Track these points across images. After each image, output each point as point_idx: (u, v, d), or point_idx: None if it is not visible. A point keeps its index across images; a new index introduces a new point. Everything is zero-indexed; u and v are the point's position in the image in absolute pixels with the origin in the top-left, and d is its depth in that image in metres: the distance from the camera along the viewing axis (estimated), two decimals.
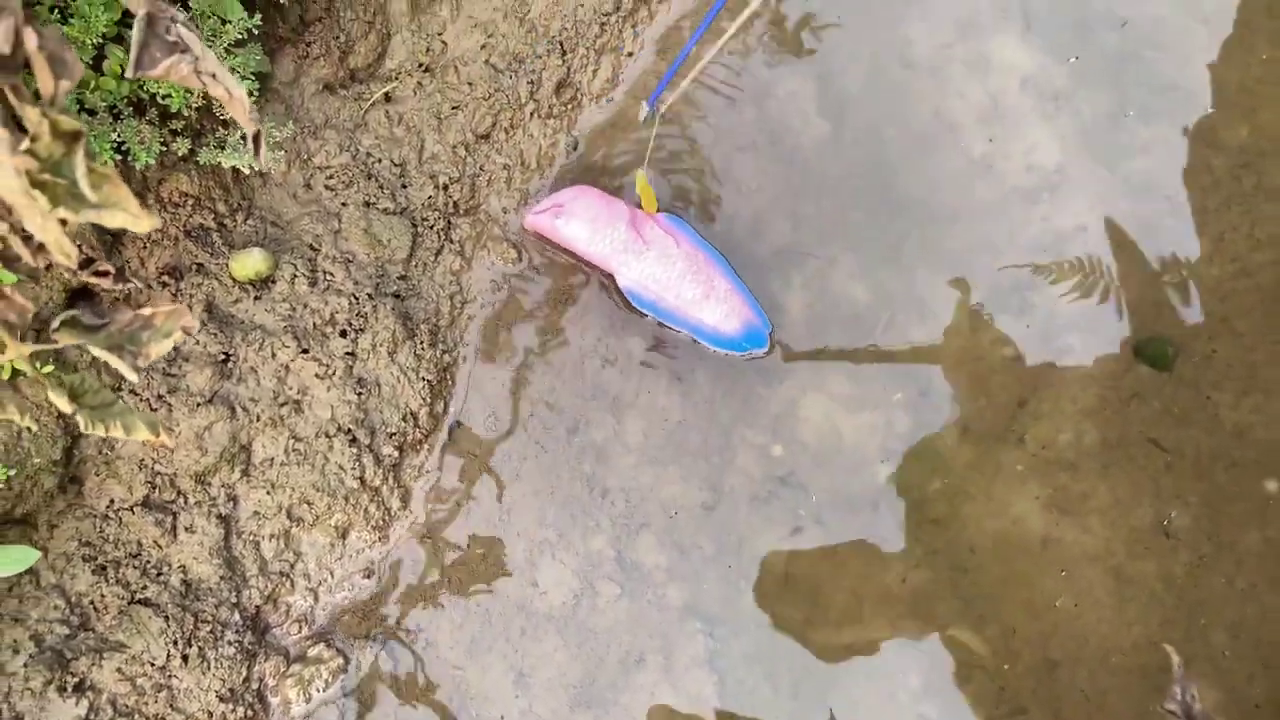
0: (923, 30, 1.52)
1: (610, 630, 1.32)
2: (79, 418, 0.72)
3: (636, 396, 1.40)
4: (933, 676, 1.31)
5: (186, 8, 1.14)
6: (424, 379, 1.33)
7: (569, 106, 1.47)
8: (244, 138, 1.19)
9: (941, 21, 1.53)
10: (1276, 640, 1.29)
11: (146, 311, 0.71)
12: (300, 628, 1.26)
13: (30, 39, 0.55)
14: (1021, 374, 1.39)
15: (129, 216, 0.60)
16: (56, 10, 1.07)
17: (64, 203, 0.58)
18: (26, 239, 0.64)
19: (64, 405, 0.69)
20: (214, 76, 0.77)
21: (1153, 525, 1.33)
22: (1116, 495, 1.34)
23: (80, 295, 1.16)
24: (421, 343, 1.34)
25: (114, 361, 0.69)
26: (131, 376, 0.69)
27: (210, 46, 1.16)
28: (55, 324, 0.69)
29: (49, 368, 0.91)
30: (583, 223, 1.37)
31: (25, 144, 0.56)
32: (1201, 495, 1.34)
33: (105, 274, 0.87)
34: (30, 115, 0.56)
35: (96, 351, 0.68)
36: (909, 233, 1.45)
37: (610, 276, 1.40)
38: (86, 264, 0.86)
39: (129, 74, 0.74)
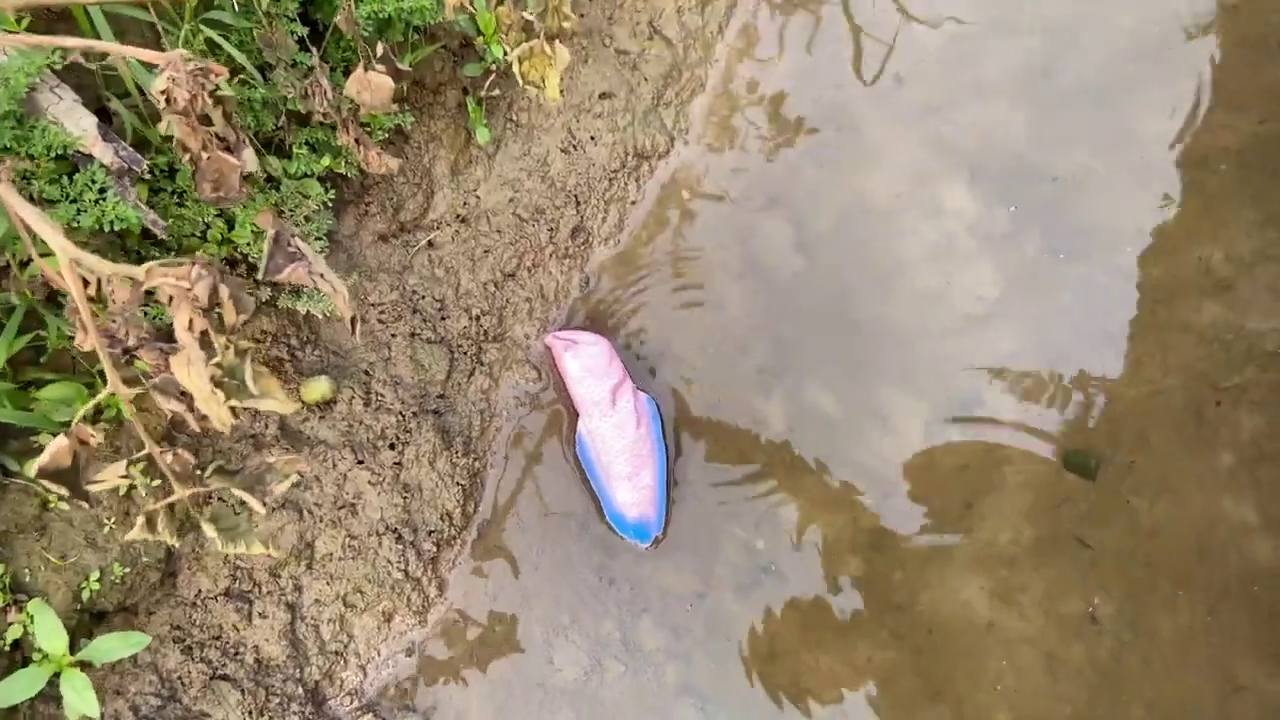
0: (880, 181, 1.79)
1: (617, 703, 1.54)
2: (217, 539, 0.95)
3: None
4: None
5: (277, 188, 1.41)
6: (458, 484, 1.56)
7: (582, 248, 1.74)
8: (319, 293, 1.44)
9: (897, 173, 1.80)
10: (1187, 714, 1.50)
11: (271, 459, 0.96)
12: (352, 700, 1.47)
13: (223, 291, 0.80)
14: (968, 480, 1.62)
15: (277, 403, 0.85)
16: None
17: (234, 395, 0.83)
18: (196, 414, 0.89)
19: (211, 533, 0.93)
20: (322, 276, 1.03)
21: (1080, 613, 1.56)
22: (1049, 587, 1.57)
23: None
24: (456, 452, 1.58)
25: (248, 499, 0.93)
26: (260, 510, 0.93)
27: (294, 218, 1.42)
28: (208, 472, 0.93)
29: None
30: (580, 366, 1.61)
31: (215, 359, 0.81)
32: (1122, 587, 1.56)
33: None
34: (219, 341, 0.81)
35: (237, 492, 0.92)
36: (871, 354, 1.70)
37: (575, 416, 1.65)
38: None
39: (260, 278, 1.00)
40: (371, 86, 1.21)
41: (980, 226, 1.76)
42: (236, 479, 0.95)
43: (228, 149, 0.98)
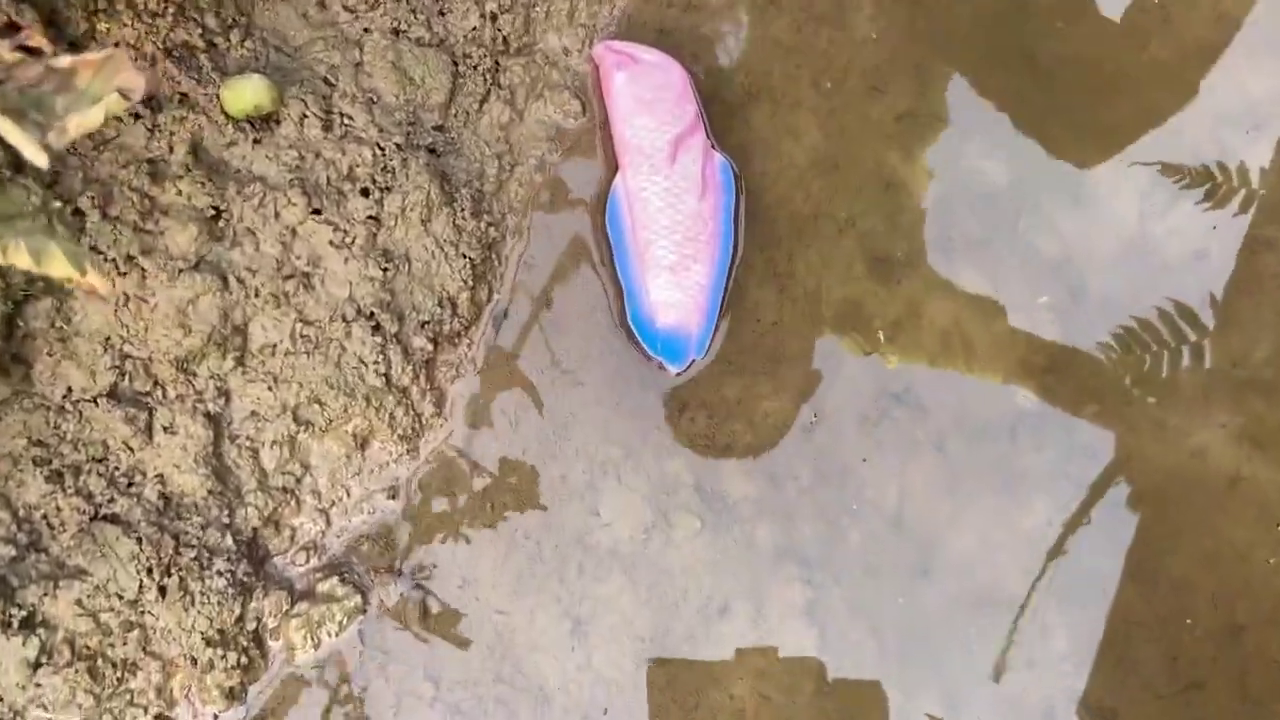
0: None
1: (688, 572, 1.07)
2: None
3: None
4: (1084, 641, 1.06)
5: None
6: (465, 256, 1.06)
7: None
8: None
9: None
10: None
11: (64, 62, 0.44)
12: (308, 557, 1.01)
13: None
14: (1206, 273, 1.12)
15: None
16: None
17: None
18: None
19: None
20: None
21: None
22: None
23: None
24: (462, 211, 1.06)
25: (13, 135, 0.42)
26: (39, 160, 0.42)
27: None
28: None
29: None
30: (635, 95, 1.08)
31: None
32: None
33: (36, 51, 0.59)
34: None
35: None
36: (1061, 99, 1.17)
37: (615, 167, 1.12)
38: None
39: None
40: None
41: None
42: None
43: None
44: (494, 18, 1.12)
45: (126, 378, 0.94)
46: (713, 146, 1.11)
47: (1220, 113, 1.16)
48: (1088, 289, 1.14)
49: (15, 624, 0.89)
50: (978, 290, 1.15)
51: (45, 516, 0.92)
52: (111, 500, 0.94)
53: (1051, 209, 1.17)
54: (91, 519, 0.93)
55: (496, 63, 1.13)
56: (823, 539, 1.09)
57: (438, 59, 1.09)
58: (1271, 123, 1.15)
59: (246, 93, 0.96)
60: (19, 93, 0.44)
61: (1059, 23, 1.21)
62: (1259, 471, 1.08)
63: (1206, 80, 1.17)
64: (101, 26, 0.94)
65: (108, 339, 0.93)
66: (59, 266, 0.48)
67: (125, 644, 0.91)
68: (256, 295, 0.97)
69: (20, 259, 0.47)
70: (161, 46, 0.97)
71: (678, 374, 1.09)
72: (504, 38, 1.13)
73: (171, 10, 0.97)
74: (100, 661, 0.91)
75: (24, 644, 0.89)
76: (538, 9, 1.15)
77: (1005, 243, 1.16)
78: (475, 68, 1.11)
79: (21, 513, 0.92)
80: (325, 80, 1.04)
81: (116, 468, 0.95)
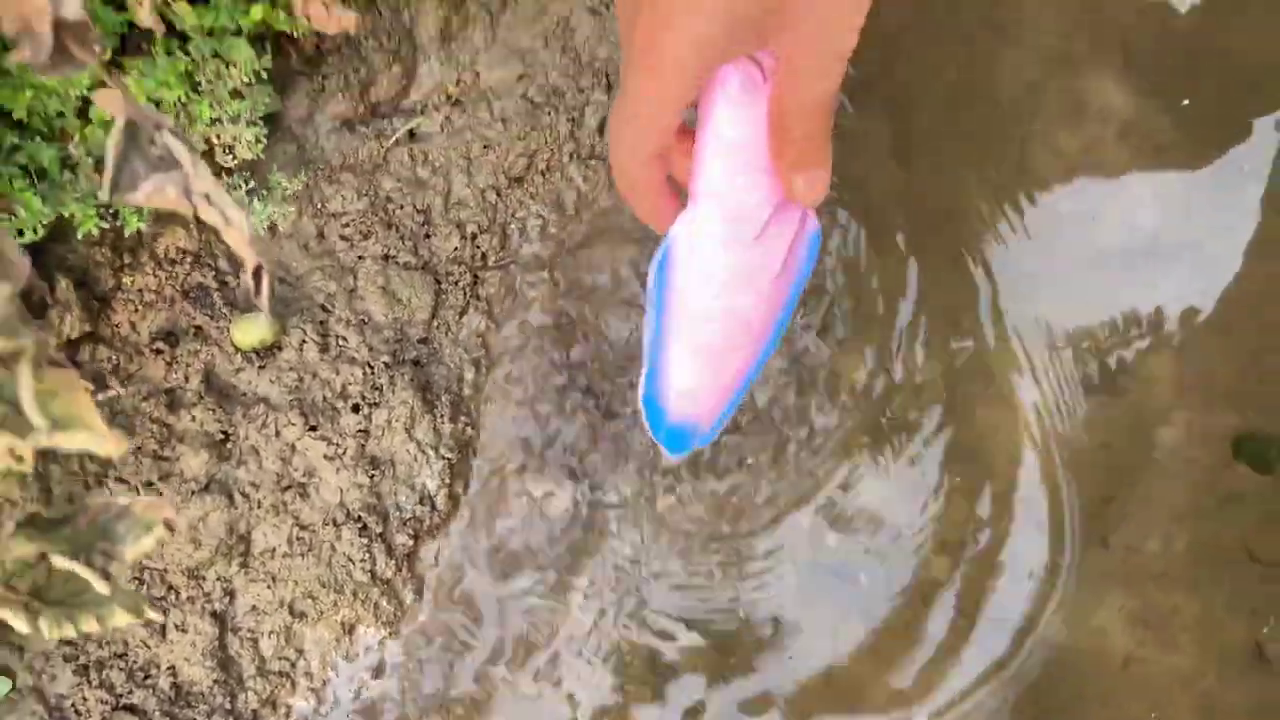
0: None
1: None
2: (42, 625, 0.59)
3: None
4: None
5: (185, 49, 0.99)
6: (443, 457, 1.19)
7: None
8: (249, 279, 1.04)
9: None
10: None
11: (123, 501, 0.58)
12: None
13: None
14: (1109, 467, 1.25)
15: (93, 437, 0.47)
16: None
17: (10, 428, 0.45)
18: None
19: (22, 626, 0.56)
20: (208, 199, 0.63)
21: (1246, 646, 1.21)
22: (1206, 610, 1.21)
23: None
24: (442, 416, 1.20)
25: (83, 572, 0.56)
26: (103, 590, 0.56)
27: (212, 94, 1.01)
28: (9, 528, 0.55)
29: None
30: (748, 128, 0.58)
31: None
32: None
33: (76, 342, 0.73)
34: None
35: (61, 563, 0.55)
36: (979, 295, 1.31)
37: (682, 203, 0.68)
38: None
39: (103, 196, 0.60)
40: None
41: (1135, 129, 1.34)
42: (61, 536, 0.57)
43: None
44: (474, 237, 1.26)
45: (144, 586, 1.08)
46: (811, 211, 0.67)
47: (1124, 315, 1.30)
48: (1002, 479, 1.27)
49: None
50: (899, 482, 1.28)
51: (74, 706, 1.05)
52: (130, 692, 1.07)
53: (971, 397, 1.30)
54: (113, 709, 1.06)
55: (475, 276, 1.27)
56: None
57: (423, 280, 1.23)
58: (1168, 322, 1.29)
59: (253, 331, 1.10)
60: (90, 527, 0.58)
61: (989, 222, 1.34)
62: (1150, 653, 1.21)
63: (1116, 281, 1.31)
64: (127, 280, 1.08)
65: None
66: (124, 619, 0.61)
67: None
68: (259, 506, 1.11)
69: (89, 627, 0.60)
70: (180, 289, 1.11)
71: (675, 460, 1.04)
72: (482, 254, 1.27)
73: (189, 258, 1.11)
74: None
75: None
76: (512, 226, 1.29)
77: (929, 438, 1.29)
78: (456, 283, 1.25)
79: (53, 702, 1.05)
80: (323, 307, 1.18)
81: (135, 662, 1.08)
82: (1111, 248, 1.32)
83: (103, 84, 0.88)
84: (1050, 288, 1.31)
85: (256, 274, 0.64)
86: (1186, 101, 1.34)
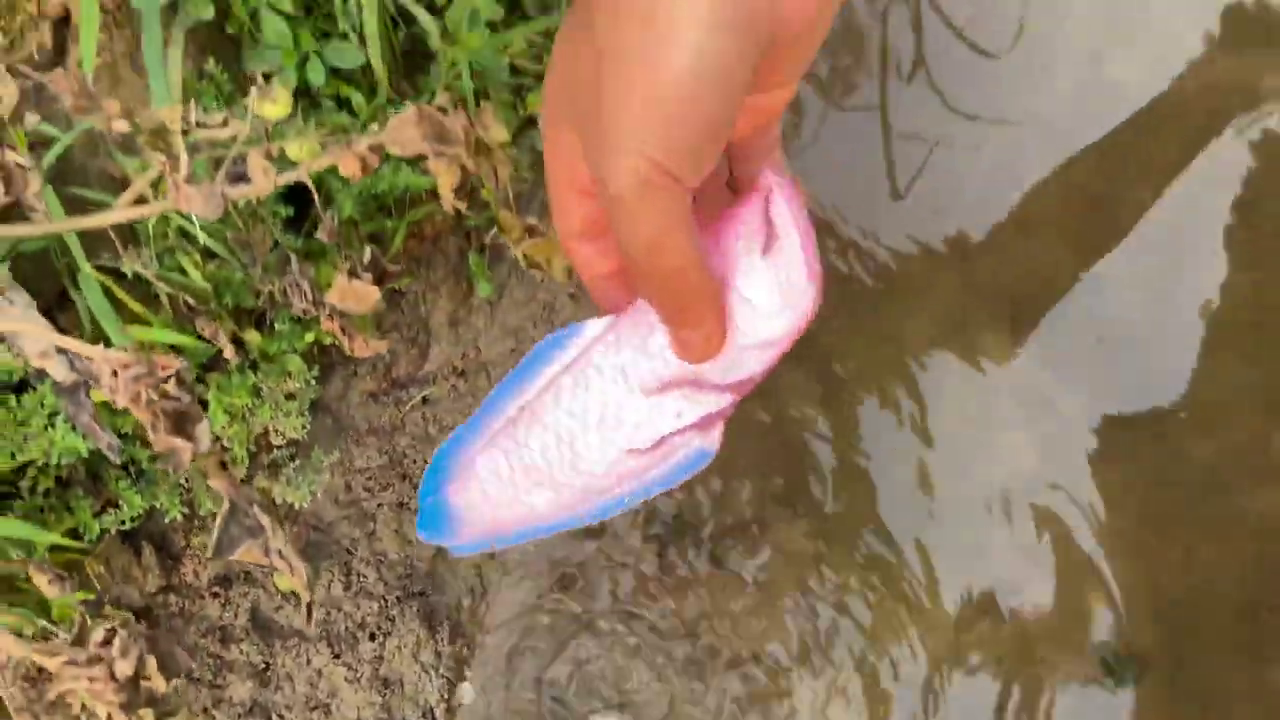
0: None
1: None
2: None
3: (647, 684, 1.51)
4: None
5: (253, 367, 1.29)
6: (443, 676, 1.44)
7: None
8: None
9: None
10: None
11: None
12: None
13: (150, 663, 0.68)
14: (1000, 678, 1.50)
15: None
16: None
17: None
18: None
19: None
20: (280, 554, 0.91)
21: None
22: None
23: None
24: (442, 639, 1.46)
25: None
26: None
27: (274, 397, 1.30)
28: None
29: None
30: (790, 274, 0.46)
31: None
32: None
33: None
34: None
35: None
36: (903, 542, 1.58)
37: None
38: None
39: (210, 555, 0.88)
40: (355, 294, 1.09)
41: (1020, 390, 1.63)
42: None
43: (182, 419, 0.86)
44: None
45: None
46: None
47: (1007, 554, 1.56)
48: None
49: None
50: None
51: None
52: None
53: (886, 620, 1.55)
54: None
55: None
56: None
57: None
58: (1041, 567, 1.55)
59: (284, 580, 1.37)
60: None
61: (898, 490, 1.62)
62: None
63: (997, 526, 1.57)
64: (195, 540, 1.35)
65: None
66: None
67: None
68: None
69: None
70: None
71: (422, 536, 0.66)
72: None
73: None
74: None
75: None
76: None
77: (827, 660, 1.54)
78: None
79: None
80: (347, 550, 1.45)
81: None
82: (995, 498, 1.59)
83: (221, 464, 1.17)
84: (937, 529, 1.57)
85: (309, 607, 0.91)
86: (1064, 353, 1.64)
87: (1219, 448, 1.59)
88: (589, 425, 0.50)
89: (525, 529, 0.56)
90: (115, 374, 0.75)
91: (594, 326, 0.50)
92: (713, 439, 0.50)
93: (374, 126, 0.96)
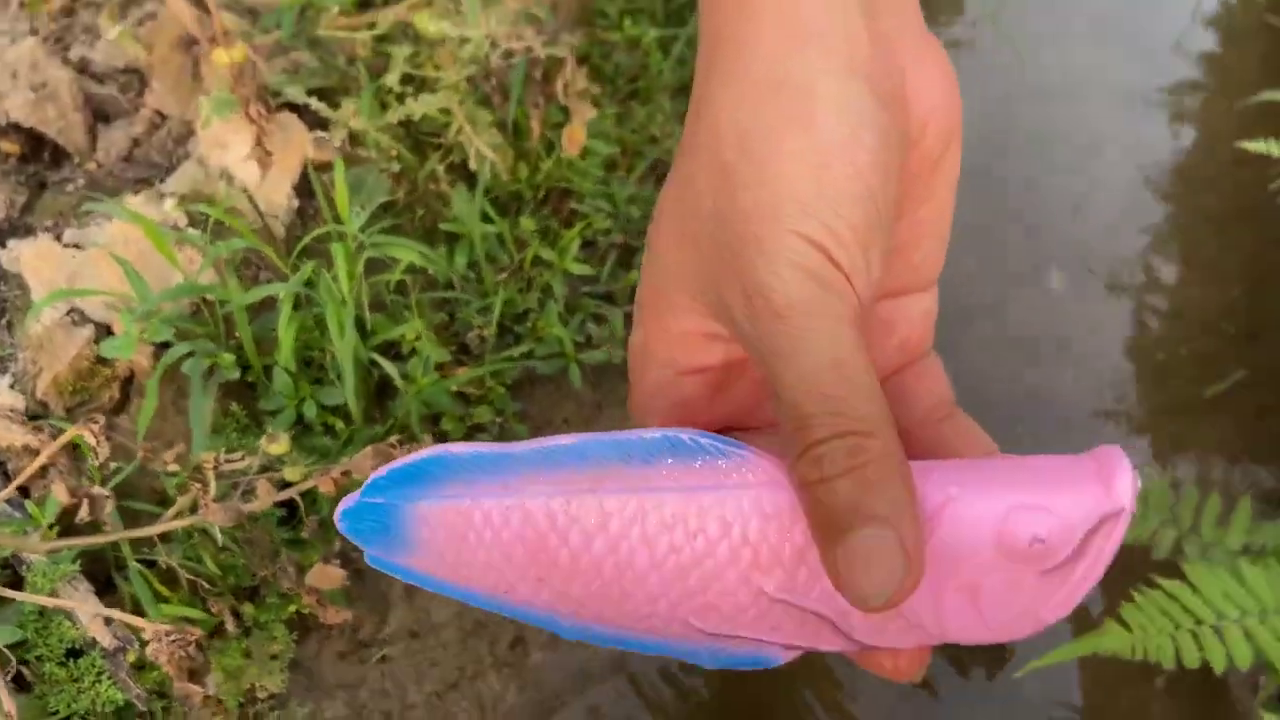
0: None
1: None
2: None
3: None
4: None
5: (245, 632, 1.66)
6: None
7: (521, 657, 1.96)
8: None
9: None
10: None
11: None
12: None
13: None
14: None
15: None
16: None
17: None
18: None
19: None
20: None
21: None
22: None
23: None
24: None
25: None
26: None
27: (260, 657, 1.66)
28: None
29: None
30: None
31: None
32: None
33: None
34: None
35: None
36: None
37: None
38: None
39: None
40: (327, 576, 1.48)
41: None
42: None
43: (194, 673, 1.22)
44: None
45: None
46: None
47: None
48: None
49: None
50: None
51: None
52: None
53: None
54: None
55: None
56: None
57: None
58: None
59: None
60: None
61: None
62: None
63: None
64: None
65: None
66: None
67: None
68: None
69: None
70: None
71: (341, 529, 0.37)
72: None
73: None
74: None
75: None
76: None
77: None
78: None
79: None
80: None
81: None
82: None
83: None
84: None
85: None
86: None
87: None
88: (662, 571, 0.36)
89: (493, 601, 0.43)
90: (159, 639, 1.13)
91: (754, 463, 0.34)
92: (790, 654, 0.38)
93: (350, 449, 1.41)
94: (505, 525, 0.38)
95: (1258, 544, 1.43)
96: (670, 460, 0.35)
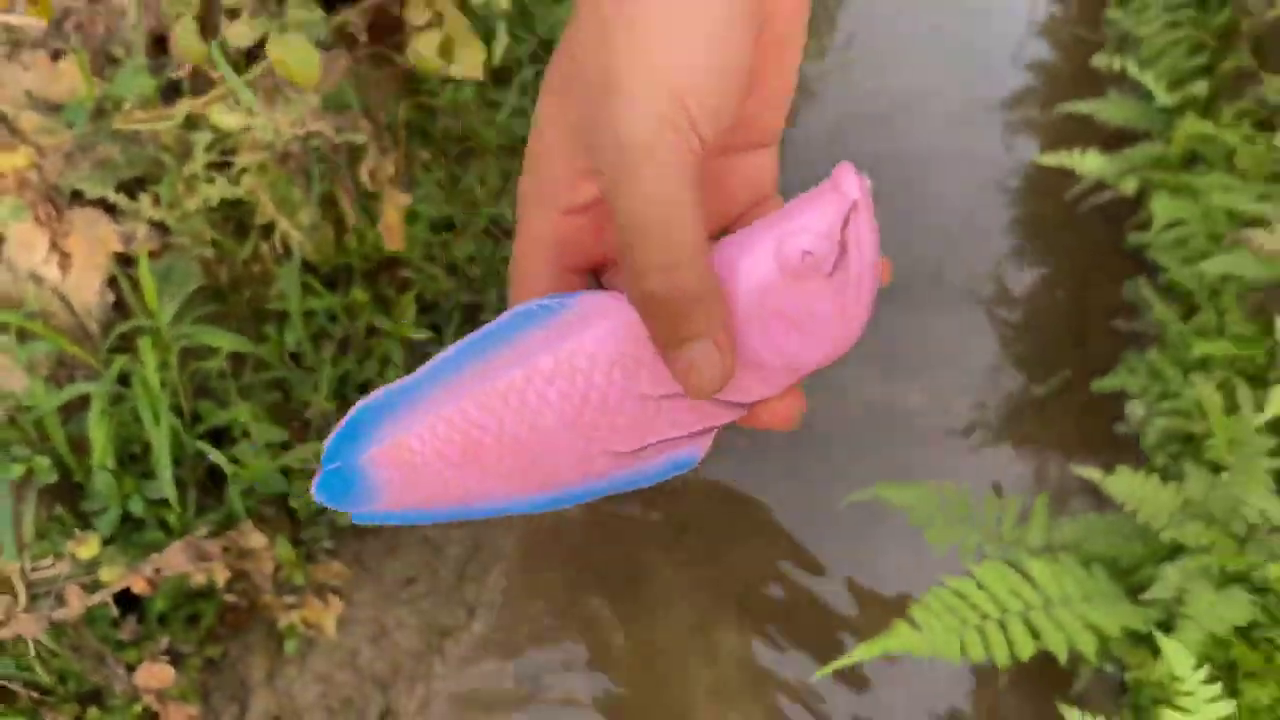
0: None
1: None
2: None
3: None
4: None
5: None
6: None
7: None
8: None
9: None
10: None
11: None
12: None
13: None
14: None
15: None
16: None
17: None
18: None
19: None
20: None
21: None
22: None
23: None
24: None
25: None
26: None
27: None
28: None
29: None
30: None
31: None
32: None
33: None
34: None
35: None
36: None
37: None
38: None
39: None
40: (157, 675, 1.46)
41: None
42: None
43: None
44: None
45: None
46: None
47: None
48: None
49: None
50: None
51: None
52: None
53: None
54: None
55: None
56: None
57: None
58: None
59: None
60: None
61: None
62: None
63: None
64: None
65: None
66: None
67: None
68: None
69: None
70: None
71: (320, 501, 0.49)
72: None
73: None
74: None
75: None
76: None
77: None
78: None
79: None
80: None
81: None
82: None
83: None
84: None
85: None
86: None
87: None
88: (564, 417, 0.42)
89: (460, 509, 0.46)
90: None
91: (590, 301, 0.41)
92: (701, 446, 0.44)
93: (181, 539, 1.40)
94: (434, 437, 0.43)
95: (1058, 541, 1.50)
96: (529, 328, 0.41)
